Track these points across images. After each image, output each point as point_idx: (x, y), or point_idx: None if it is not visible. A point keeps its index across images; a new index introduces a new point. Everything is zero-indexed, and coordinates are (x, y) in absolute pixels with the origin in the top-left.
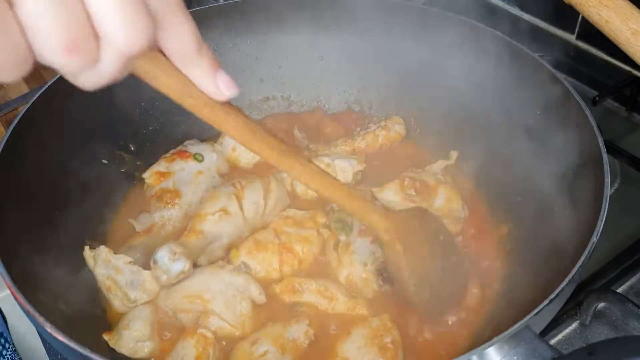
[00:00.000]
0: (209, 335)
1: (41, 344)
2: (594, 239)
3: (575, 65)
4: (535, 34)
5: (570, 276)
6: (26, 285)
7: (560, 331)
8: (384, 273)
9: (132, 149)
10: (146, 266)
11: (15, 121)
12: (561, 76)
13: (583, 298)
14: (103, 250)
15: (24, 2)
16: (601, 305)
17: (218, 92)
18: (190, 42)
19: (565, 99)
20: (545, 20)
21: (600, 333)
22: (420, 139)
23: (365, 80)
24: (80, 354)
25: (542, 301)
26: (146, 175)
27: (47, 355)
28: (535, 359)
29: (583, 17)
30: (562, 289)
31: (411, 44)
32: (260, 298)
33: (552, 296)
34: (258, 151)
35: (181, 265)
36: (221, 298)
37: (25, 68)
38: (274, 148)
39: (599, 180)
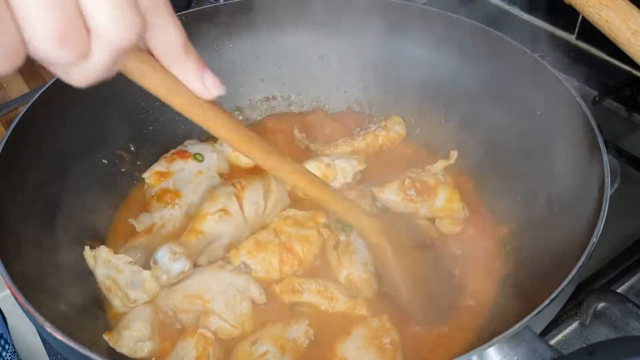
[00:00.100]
0: (209, 335)
1: (41, 344)
2: (594, 239)
3: (575, 65)
4: (535, 34)
5: (570, 276)
6: (26, 285)
7: (560, 331)
8: None
9: (132, 148)
10: (146, 266)
11: (15, 121)
12: (561, 76)
13: (583, 298)
14: (103, 250)
15: None
16: (601, 305)
17: (205, 90)
18: (177, 41)
19: (565, 99)
20: (545, 20)
21: (600, 333)
22: (420, 139)
23: (365, 80)
24: (80, 354)
25: (542, 301)
26: (146, 175)
27: (47, 355)
28: (535, 359)
29: (583, 17)
30: (563, 289)
31: (411, 44)
32: (261, 298)
33: (553, 296)
34: (245, 151)
35: (181, 265)
36: (221, 298)
37: (17, 60)
38: (262, 149)
39: (599, 181)
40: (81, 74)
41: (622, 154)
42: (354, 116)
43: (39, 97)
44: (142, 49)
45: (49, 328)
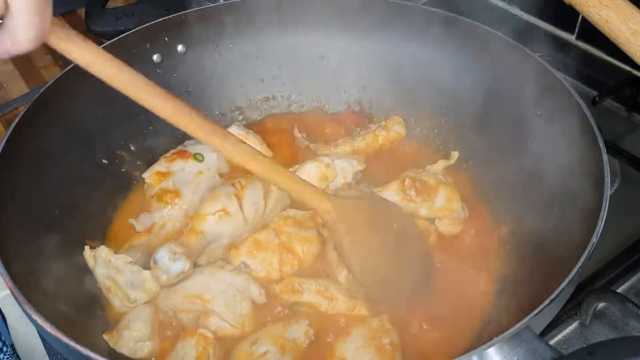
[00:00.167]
0: (209, 335)
1: (41, 344)
2: (594, 239)
3: (575, 65)
4: (535, 34)
5: (570, 276)
6: (26, 285)
7: (560, 331)
8: None
9: (132, 148)
10: (146, 266)
11: (15, 121)
12: (561, 76)
13: (583, 298)
14: (103, 250)
15: None
16: (601, 305)
17: None
18: None
19: (566, 99)
20: (545, 20)
21: (600, 333)
22: (420, 139)
23: (365, 80)
24: (80, 354)
25: (542, 301)
26: (146, 175)
27: (47, 355)
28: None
29: (583, 17)
30: (563, 290)
31: (411, 44)
32: (261, 298)
33: (553, 296)
34: (179, 122)
35: (181, 265)
36: (221, 298)
37: None
38: (201, 126)
39: (599, 181)
40: (4, 43)
41: (622, 154)
42: (354, 116)
43: (39, 97)
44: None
45: (49, 328)
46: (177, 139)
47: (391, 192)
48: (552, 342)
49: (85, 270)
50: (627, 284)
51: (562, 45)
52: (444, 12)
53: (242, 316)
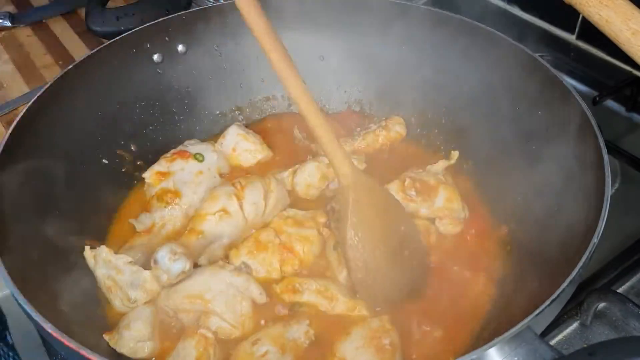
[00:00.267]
0: (210, 335)
1: (41, 344)
2: (595, 240)
3: (575, 65)
4: (535, 34)
5: (571, 277)
6: (26, 285)
7: (561, 331)
8: None
9: (133, 148)
10: (147, 266)
11: (16, 121)
12: (561, 76)
13: (584, 298)
14: (103, 250)
15: None
16: (602, 305)
17: None
18: None
19: (566, 99)
20: (545, 20)
21: (601, 333)
22: (420, 138)
23: (366, 80)
24: (81, 354)
25: (543, 302)
26: (146, 175)
27: (47, 355)
28: None
29: (583, 17)
30: (563, 290)
31: (411, 44)
32: (261, 298)
33: (554, 297)
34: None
35: (181, 265)
36: (222, 298)
37: None
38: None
39: (600, 181)
40: None
41: (622, 154)
42: (354, 116)
43: (39, 97)
44: None
45: (49, 328)
46: (177, 138)
47: (391, 192)
48: (552, 342)
49: (86, 270)
50: (628, 284)
51: (562, 45)
52: (444, 12)
53: (243, 316)
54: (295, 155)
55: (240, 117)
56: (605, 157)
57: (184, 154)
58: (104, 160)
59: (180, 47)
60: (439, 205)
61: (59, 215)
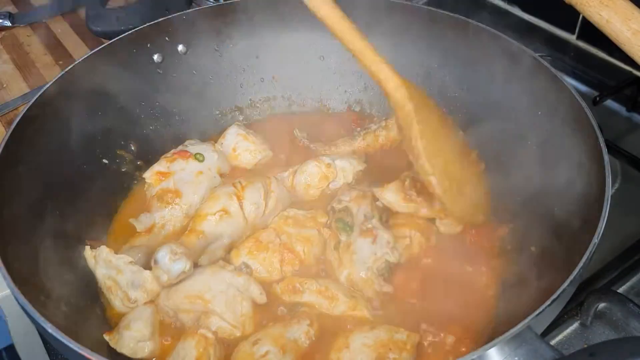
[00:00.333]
0: (210, 335)
1: (41, 344)
2: (596, 240)
3: (576, 65)
4: (535, 34)
5: (571, 277)
6: (26, 285)
7: (561, 331)
8: (385, 273)
9: (133, 148)
10: (147, 266)
11: (16, 121)
12: (561, 76)
13: (584, 298)
14: (104, 250)
15: None
16: (602, 305)
17: None
18: None
19: (566, 99)
20: (545, 20)
21: (601, 333)
22: None
23: (366, 80)
24: (81, 355)
25: (543, 302)
26: (147, 175)
27: (47, 355)
28: None
29: (583, 17)
30: (564, 290)
31: (411, 44)
32: (261, 298)
33: (554, 297)
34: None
35: (182, 265)
36: (222, 298)
37: None
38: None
39: (600, 181)
40: None
41: (623, 154)
42: (355, 116)
43: (39, 97)
44: None
45: (49, 328)
46: (178, 138)
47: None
48: (553, 342)
49: (86, 270)
50: (628, 284)
51: (562, 45)
52: (444, 12)
53: (243, 316)
54: (295, 155)
55: (241, 117)
56: (606, 157)
57: (184, 154)
58: (104, 160)
59: (180, 47)
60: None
61: (59, 215)
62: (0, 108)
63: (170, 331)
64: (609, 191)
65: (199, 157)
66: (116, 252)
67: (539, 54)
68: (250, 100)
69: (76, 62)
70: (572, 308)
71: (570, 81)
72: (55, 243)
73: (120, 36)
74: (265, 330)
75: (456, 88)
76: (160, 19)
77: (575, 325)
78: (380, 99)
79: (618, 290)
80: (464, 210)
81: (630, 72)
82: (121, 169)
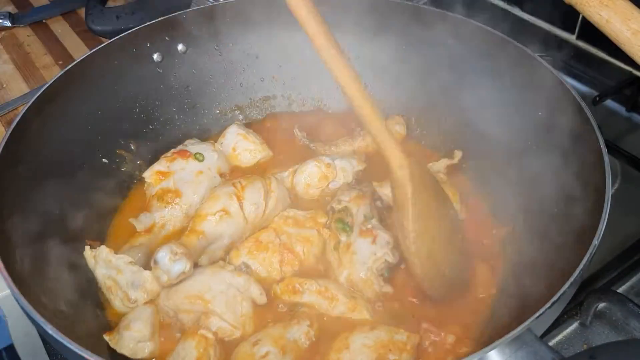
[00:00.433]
0: (210, 336)
1: (41, 344)
2: (596, 241)
3: (576, 65)
4: (535, 34)
5: (571, 279)
6: (26, 285)
7: (561, 331)
8: (384, 273)
9: (133, 148)
10: (147, 266)
11: (16, 121)
12: (561, 76)
13: (583, 298)
14: (104, 250)
15: None
16: (602, 305)
17: None
18: None
19: (566, 99)
20: (545, 20)
21: (601, 333)
22: (421, 138)
23: (366, 80)
24: (80, 355)
25: (543, 304)
26: (147, 174)
27: (47, 355)
28: None
29: (583, 17)
30: (564, 292)
31: (411, 44)
32: (261, 298)
33: (554, 299)
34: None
35: (182, 265)
36: (222, 298)
37: None
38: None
39: (600, 181)
40: None
41: (622, 154)
42: (354, 116)
43: (39, 97)
44: None
45: (49, 329)
46: (178, 138)
47: (390, 188)
48: (552, 342)
49: (86, 271)
50: (628, 284)
51: (562, 45)
52: (444, 12)
53: (243, 317)
54: (295, 155)
55: (240, 117)
56: (605, 157)
57: (184, 154)
58: (104, 160)
59: (180, 47)
60: None
61: (58, 215)
62: (0, 108)
63: (170, 331)
64: (609, 191)
65: (199, 157)
66: (116, 252)
67: (539, 54)
68: (250, 99)
69: (76, 62)
70: (572, 308)
71: (570, 81)
72: (55, 243)
73: (120, 36)
74: (265, 330)
75: (453, 87)
76: (160, 19)
77: (575, 325)
78: (381, 98)
79: (618, 290)
80: (439, 290)
81: (630, 72)
82: (121, 168)
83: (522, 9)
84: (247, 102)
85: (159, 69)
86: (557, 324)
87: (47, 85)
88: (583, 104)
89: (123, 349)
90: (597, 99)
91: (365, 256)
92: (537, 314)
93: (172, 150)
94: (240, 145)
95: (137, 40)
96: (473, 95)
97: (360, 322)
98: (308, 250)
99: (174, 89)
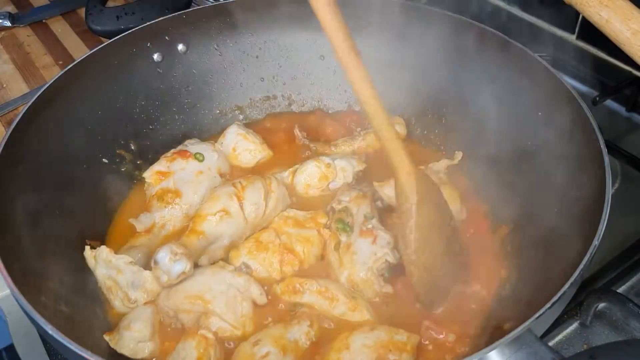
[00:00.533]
0: (210, 336)
1: (41, 344)
2: (596, 242)
3: (575, 65)
4: (535, 34)
5: (572, 279)
6: (26, 285)
7: (561, 331)
8: (385, 273)
9: (133, 148)
10: (147, 266)
11: (16, 121)
12: (561, 76)
13: (583, 298)
14: (104, 250)
15: None
16: (602, 305)
17: None
18: None
19: (566, 99)
20: (545, 20)
21: (601, 333)
22: (421, 138)
23: None
24: (80, 355)
25: (543, 304)
26: (147, 174)
27: (47, 355)
28: None
29: (583, 17)
30: (564, 292)
31: (411, 44)
32: (261, 299)
33: (554, 299)
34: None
35: (182, 265)
36: (222, 298)
37: None
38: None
39: (600, 181)
40: None
41: (622, 154)
42: (355, 116)
43: (39, 97)
44: None
45: (49, 329)
46: (178, 138)
47: (391, 188)
48: (552, 343)
49: (86, 271)
50: (628, 284)
51: (562, 45)
52: (444, 12)
53: (243, 317)
54: (295, 155)
55: (240, 117)
56: (605, 157)
57: (184, 154)
58: (104, 160)
59: (180, 46)
60: None
61: (58, 215)
62: (0, 108)
63: (170, 331)
64: (609, 191)
65: (199, 157)
66: (116, 252)
67: (539, 54)
68: (250, 99)
69: (76, 62)
70: (572, 308)
71: (570, 81)
72: (55, 243)
73: (120, 35)
74: (265, 330)
75: (454, 88)
76: (160, 19)
77: (575, 325)
78: (380, 99)
79: (618, 290)
80: (431, 299)
81: (630, 72)
82: (121, 168)
83: (522, 9)
84: (247, 102)
85: (159, 69)
86: (557, 324)
87: (47, 85)
88: (583, 104)
89: (123, 349)
90: (597, 99)
91: (365, 256)
92: (537, 314)
93: (172, 150)
94: (241, 145)
95: (137, 40)
96: (473, 95)
97: (360, 322)
98: (308, 250)
99: (174, 89)
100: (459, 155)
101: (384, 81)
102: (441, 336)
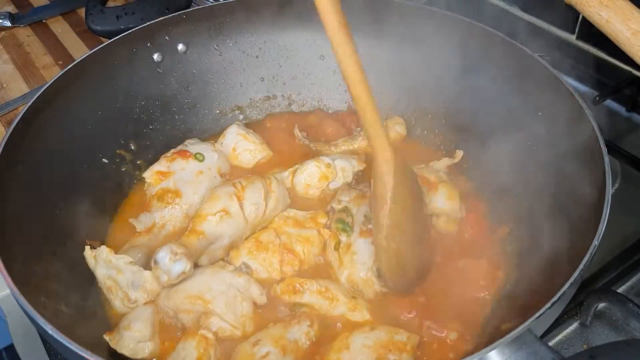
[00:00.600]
0: (210, 336)
1: (41, 344)
2: (596, 242)
3: (575, 65)
4: (535, 34)
5: (572, 279)
6: (26, 286)
7: (561, 331)
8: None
9: (133, 148)
10: (147, 266)
11: (16, 121)
12: (561, 76)
13: (583, 298)
14: (104, 250)
15: None
16: (602, 305)
17: None
18: None
19: (566, 99)
20: (545, 20)
21: (601, 333)
22: (421, 138)
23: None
24: (80, 355)
25: (543, 304)
26: (147, 174)
27: (47, 355)
28: None
29: (583, 17)
30: (564, 292)
31: (411, 44)
32: (261, 299)
33: (554, 299)
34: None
35: (182, 265)
36: (222, 298)
37: None
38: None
39: (600, 181)
40: None
41: (623, 154)
42: (355, 116)
43: (39, 97)
44: None
45: (49, 329)
46: (178, 138)
47: None
48: (552, 342)
49: (86, 270)
50: (628, 284)
51: (562, 45)
52: (444, 12)
53: (243, 317)
54: (295, 155)
55: (240, 117)
56: (605, 157)
57: (184, 154)
58: (104, 160)
59: (180, 46)
60: (438, 203)
61: (59, 215)
62: (0, 108)
63: (170, 331)
64: (609, 191)
65: (199, 157)
66: (116, 252)
67: (539, 54)
68: (250, 99)
69: (76, 62)
70: (572, 308)
71: (570, 81)
72: (55, 243)
73: (120, 35)
74: (265, 330)
75: (454, 88)
76: (160, 19)
77: (575, 325)
78: (380, 99)
79: (618, 290)
80: (397, 285)
81: (630, 72)
82: (121, 168)
83: (522, 9)
84: (247, 102)
85: (159, 69)
86: (557, 324)
87: (47, 85)
88: (583, 104)
89: (123, 349)
90: (597, 99)
91: (365, 256)
92: (537, 314)
93: (172, 150)
94: (241, 145)
95: (137, 40)
96: (473, 95)
97: (360, 322)
98: (308, 250)
99: (174, 88)
100: (459, 154)
101: (384, 81)
102: (442, 335)
